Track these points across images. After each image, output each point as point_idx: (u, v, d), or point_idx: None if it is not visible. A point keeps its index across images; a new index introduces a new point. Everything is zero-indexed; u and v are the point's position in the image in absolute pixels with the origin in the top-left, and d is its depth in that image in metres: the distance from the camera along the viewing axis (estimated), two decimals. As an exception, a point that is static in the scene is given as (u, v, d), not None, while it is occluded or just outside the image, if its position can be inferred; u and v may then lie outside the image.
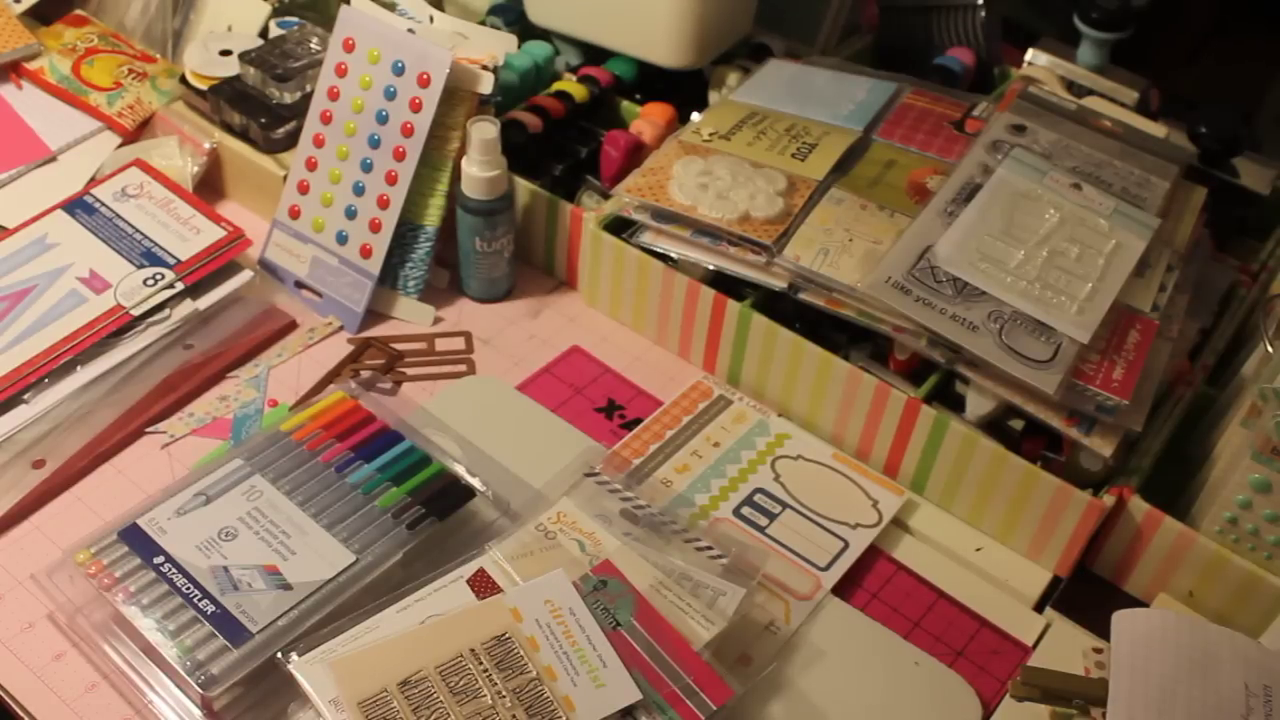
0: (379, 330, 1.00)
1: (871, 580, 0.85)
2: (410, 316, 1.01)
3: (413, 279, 1.01)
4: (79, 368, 0.89)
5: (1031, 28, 1.27)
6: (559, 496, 0.82)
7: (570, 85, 1.10)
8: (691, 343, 0.98)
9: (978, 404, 0.85)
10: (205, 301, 0.95)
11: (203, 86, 1.07)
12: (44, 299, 0.92)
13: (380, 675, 0.68)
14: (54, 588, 0.76)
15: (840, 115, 1.03)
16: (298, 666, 0.69)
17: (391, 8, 1.06)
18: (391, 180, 0.98)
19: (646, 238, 0.95)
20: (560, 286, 1.06)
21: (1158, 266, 0.91)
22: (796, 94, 1.06)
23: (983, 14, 1.19)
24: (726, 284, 0.93)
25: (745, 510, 0.87)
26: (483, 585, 0.74)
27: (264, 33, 1.14)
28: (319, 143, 1.00)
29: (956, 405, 0.87)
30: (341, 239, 1.00)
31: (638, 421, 0.93)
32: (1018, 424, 0.88)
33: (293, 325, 0.99)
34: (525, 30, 1.17)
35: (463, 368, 0.97)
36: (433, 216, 1.00)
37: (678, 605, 0.75)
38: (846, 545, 0.85)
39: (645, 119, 1.09)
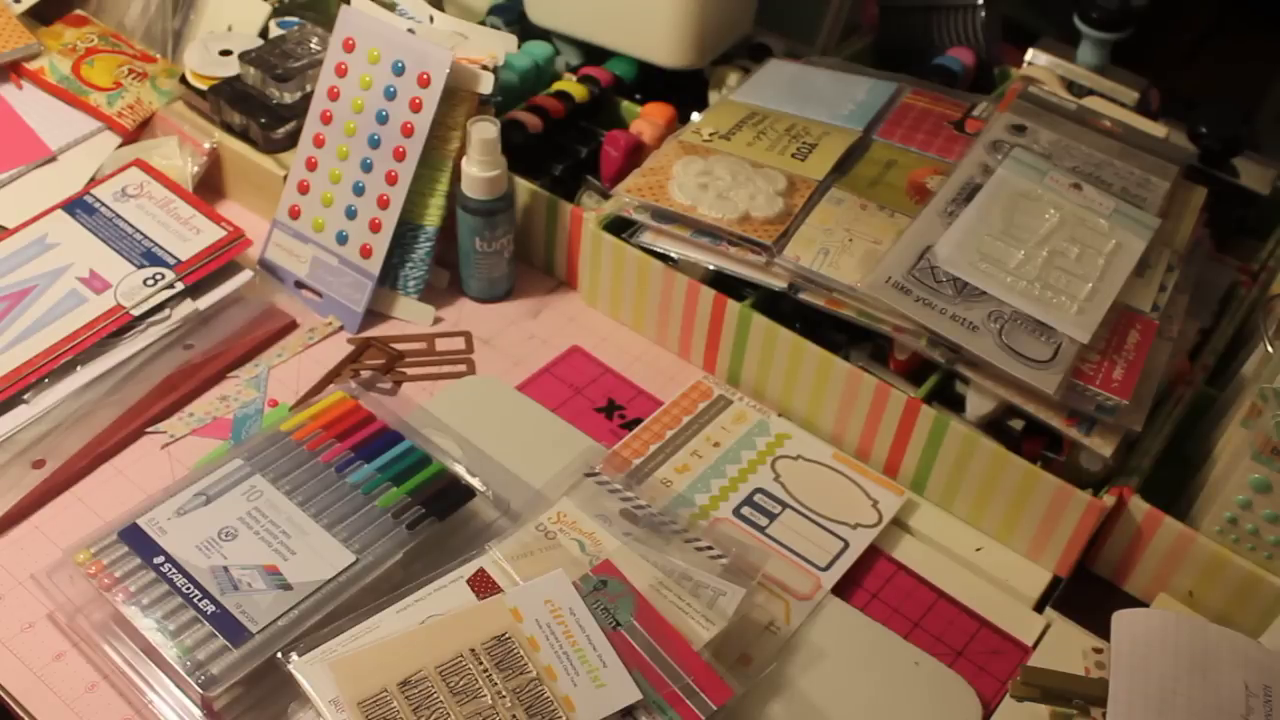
0: (379, 330, 1.00)
1: (871, 580, 0.85)
2: (410, 316, 1.01)
3: (413, 279, 1.01)
4: (79, 368, 0.89)
5: (1031, 28, 1.27)
6: (559, 496, 0.82)
7: (570, 85, 1.10)
8: (691, 343, 0.98)
9: (978, 404, 0.85)
10: (205, 301, 0.95)
11: (203, 86, 1.07)
12: (44, 299, 0.92)
13: (380, 675, 0.68)
14: (54, 588, 0.76)
15: (840, 115, 1.03)
16: (298, 666, 0.69)
17: (391, 8, 1.06)
18: (391, 180, 0.98)
19: (646, 238, 0.95)
20: (560, 286, 1.06)
21: (1158, 266, 0.91)
22: (796, 94, 1.06)
23: (983, 14, 1.19)
24: (726, 284, 0.93)
25: (745, 510, 0.87)
26: (483, 585, 0.75)
27: (264, 33, 1.14)
28: (319, 143, 1.00)
29: (956, 405, 0.87)
30: (341, 239, 1.00)
31: (638, 421, 0.93)
32: (1018, 424, 0.88)
33: (293, 325, 0.99)
34: (525, 30, 1.18)
35: (463, 368, 0.97)
36: (433, 216, 1.00)
37: (678, 605, 0.75)
38: (846, 545, 0.85)
39: (645, 119, 1.09)
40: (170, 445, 0.89)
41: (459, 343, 0.99)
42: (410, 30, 0.98)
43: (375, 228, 0.99)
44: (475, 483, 0.83)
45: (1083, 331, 0.83)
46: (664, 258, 0.95)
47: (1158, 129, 1.02)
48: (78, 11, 1.18)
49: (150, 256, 0.95)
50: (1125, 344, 0.84)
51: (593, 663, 0.70)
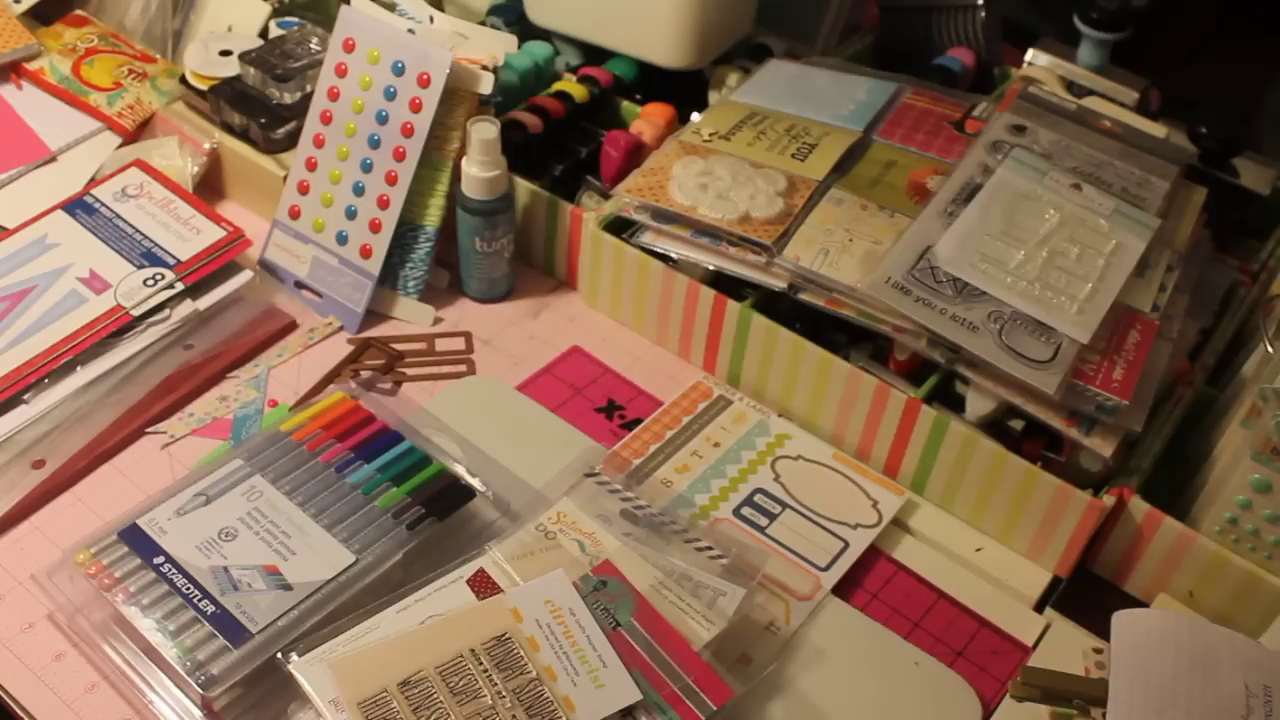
0: (379, 330, 1.00)
1: (871, 580, 0.85)
2: (410, 317, 1.01)
3: (413, 279, 1.01)
4: (79, 368, 0.89)
5: (1031, 28, 1.27)
6: (559, 497, 0.82)
7: (570, 85, 1.10)
8: (691, 343, 0.98)
9: (978, 404, 0.85)
10: (205, 302, 0.95)
11: (203, 86, 1.07)
12: (44, 299, 0.92)
13: (380, 675, 0.68)
14: (54, 588, 0.76)
15: (840, 115, 1.03)
16: (298, 667, 0.69)
17: (391, 8, 1.06)
18: (391, 180, 0.98)
19: (646, 238, 0.95)
20: (560, 286, 1.06)
21: (1158, 266, 0.91)
22: (796, 94, 1.06)
23: (983, 14, 1.19)
24: (726, 284, 0.93)
25: (745, 510, 0.87)
26: (483, 585, 0.75)
27: (264, 33, 1.14)
28: (319, 143, 1.00)
29: (956, 405, 0.87)
30: (341, 239, 1.00)
31: (638, 422, 0.93)
32: (1018, 424, 0.88)
33: (293, 325, 0.99)
34: (525, 30, 1.18)
35: (463, 368, 0.97)
36: (433, 216, 1.00)
37: (678, 605, 0.75)
38: (846, 545, 0.85)
39: (645, 119, 1.09)
40: (170, 445, 0.89)
41: (459, 343, 0.99)
42: (410, 30, 0.98)
43: (375, 228, 0.99)
44: (475, 483, 0.83)
45: (1083, 331, 0.83)
46: (664, 258, 0.95)
47: (1158, 129, 1.02)
48: (78, 12, 1.18)
49: (150, 257, 0.95)
50: (1125, 344, 0.84)
51: (593, 663, 0.70)
